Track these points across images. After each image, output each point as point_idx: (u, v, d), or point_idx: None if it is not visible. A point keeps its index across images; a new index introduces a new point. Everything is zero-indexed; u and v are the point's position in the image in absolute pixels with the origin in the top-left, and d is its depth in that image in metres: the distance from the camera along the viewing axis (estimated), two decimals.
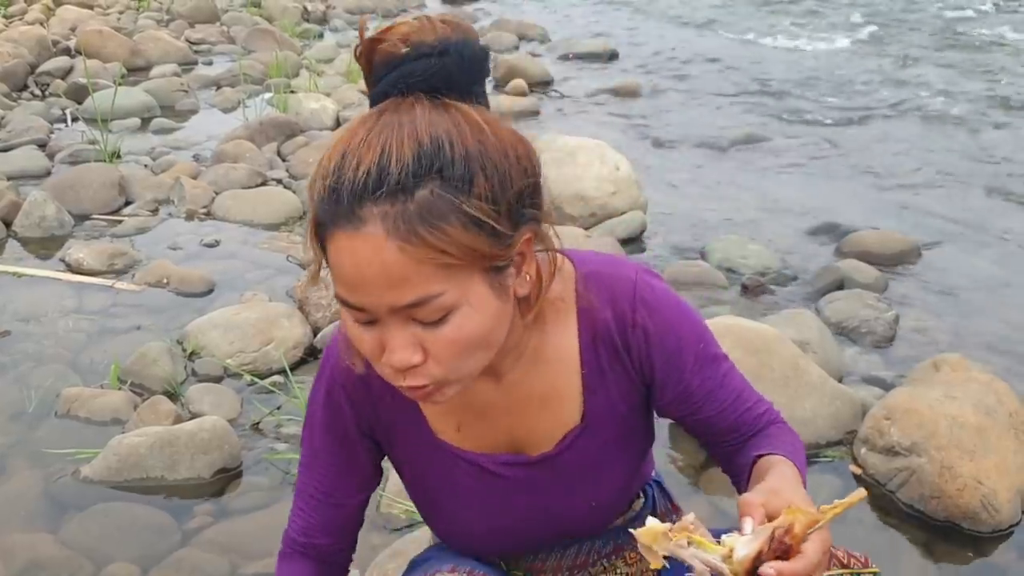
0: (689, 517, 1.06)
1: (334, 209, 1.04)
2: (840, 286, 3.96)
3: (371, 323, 1.10)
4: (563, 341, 1.29)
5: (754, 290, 3.94)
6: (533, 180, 1.12)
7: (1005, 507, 2.51)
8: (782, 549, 1.03)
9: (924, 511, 2.55)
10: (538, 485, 1.37)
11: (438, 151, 1.03)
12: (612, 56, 8.64)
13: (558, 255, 1.20)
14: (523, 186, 1.09)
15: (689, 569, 1.05)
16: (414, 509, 2.47)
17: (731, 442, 1.36)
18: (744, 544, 1.03)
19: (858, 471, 2.73)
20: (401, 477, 1.46)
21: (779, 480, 1.15)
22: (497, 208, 1.05)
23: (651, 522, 1.05)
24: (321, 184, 1.05)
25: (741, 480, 1.32)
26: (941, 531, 2.52)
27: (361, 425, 1.37)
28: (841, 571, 1.22)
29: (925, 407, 2.66)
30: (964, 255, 4.44)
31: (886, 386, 3.16)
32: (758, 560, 1.02)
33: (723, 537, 1.05)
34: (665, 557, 1.05)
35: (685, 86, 7.65)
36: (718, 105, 7.13)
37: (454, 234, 1.02)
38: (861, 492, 1.08)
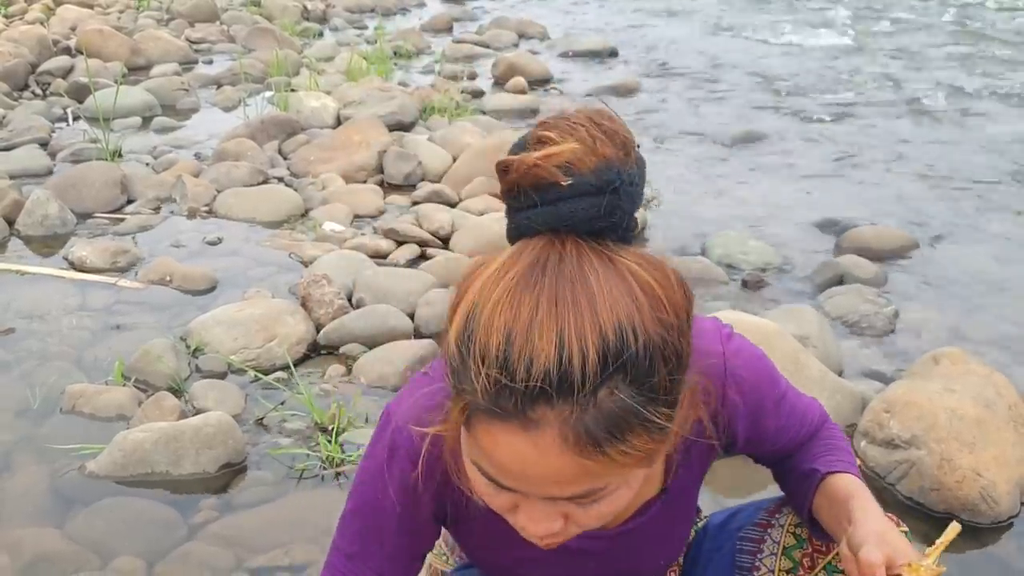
0: None
1: (499, 404, 0.92)
2: (840, 281, 3.98)
3: (511, 490, 1.00)
4: None
5: (754, 285, 3.96)
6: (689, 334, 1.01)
7: (1004, 499, 2.53)
8: None
9: (924, 503, 2.57)
10: (613, 554, 1.33)
11: (623, 345, 0.91)
12: (612, 53, 8.65)
13: None
14: (688, 350, 0.99)
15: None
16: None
17: (788, 454, 1.38)
18: None
19: (858, 464, 2.75)
20: (456, 538, 1.39)
21: (877, 520, 1.16)
22: (674, 397, 0.96)
23: None
24: (485, 374, 0.91)
25: (798, 492, 1.33)
26: (941, 523, 2.52)
27: (438, 512, 1.25)
28: None
29: (924, 400, 2.68)
30: (963, 250, 4.46)
31: (886, 380, 3.18)
32: None
33: None
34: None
35: (685, 83, 7.66)
36: (718, 102, 7.14)
37: (637, 444, 0.93)
38: (956, 527, 1.10)
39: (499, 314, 0.92)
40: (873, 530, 1.14)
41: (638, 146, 1.02)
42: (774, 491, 1.55)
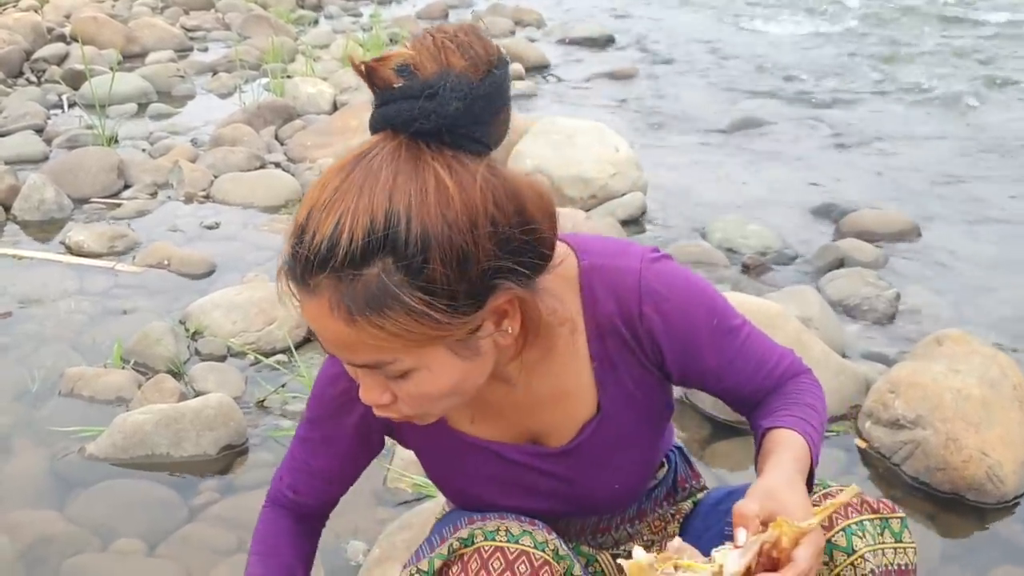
0: (673, 544, 1.07)
1: (292, 270, 1.06)
2: (840, 265, 3.97)
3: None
4: (572, 338, 1.27)
5: (755, 269, 3.95)
6: (520, 241, 1.06)
7: (1010, 478, 2.52)
8: (771, 563, 1.04)
9: (929, 483, 2.56)
10: (559, 474, 1.36)
11: (393, 230, 0.99)
12: (609, 40, 8.61)
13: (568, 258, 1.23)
14: (493, 258, 1.04)
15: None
16: (421, 483, 2.49)
17: (753, 403, 1.36)
18: (734, 560, 1.04)
19: (863, 444, 2.74)
20: (417, 457, 1.46)
21: (776, 476, 1.15)
22: (452, 289, 1.02)
23: (637, 553, 1.05)
24: (288, 242, 1.06)
25: (756, 451, 1.33)
26: (946, 503, 2.53)
27: (366, 415, 1.32)
28: (871, 516, 1.23)
29: (929, 380, 2.67)
30: (963, 233, 4.45)
31: (888, 362, 3.16)
32: (748, 574, 1.03)
33: (713, 553, 1.06)
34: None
35: (682, 69, 7.64)
36: (716, 88, 7.12)
37: (397, 320, 1.01)
38: (854, 488, 1.09)
39: (310, 193, 1.05)
40: (764, 486, 1.13)
41: (505, 65, 1.07)
42: None
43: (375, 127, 1.06)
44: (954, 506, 2.52)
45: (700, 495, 1.57)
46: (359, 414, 1.35)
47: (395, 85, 1.03)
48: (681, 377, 1.32)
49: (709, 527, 1.47)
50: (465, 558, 1.24)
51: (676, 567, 1.04)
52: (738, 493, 1.48)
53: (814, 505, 1.13)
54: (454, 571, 1.24)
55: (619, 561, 1.08)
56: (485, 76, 1.04)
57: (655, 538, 1.53)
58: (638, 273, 1.25)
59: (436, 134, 1.03)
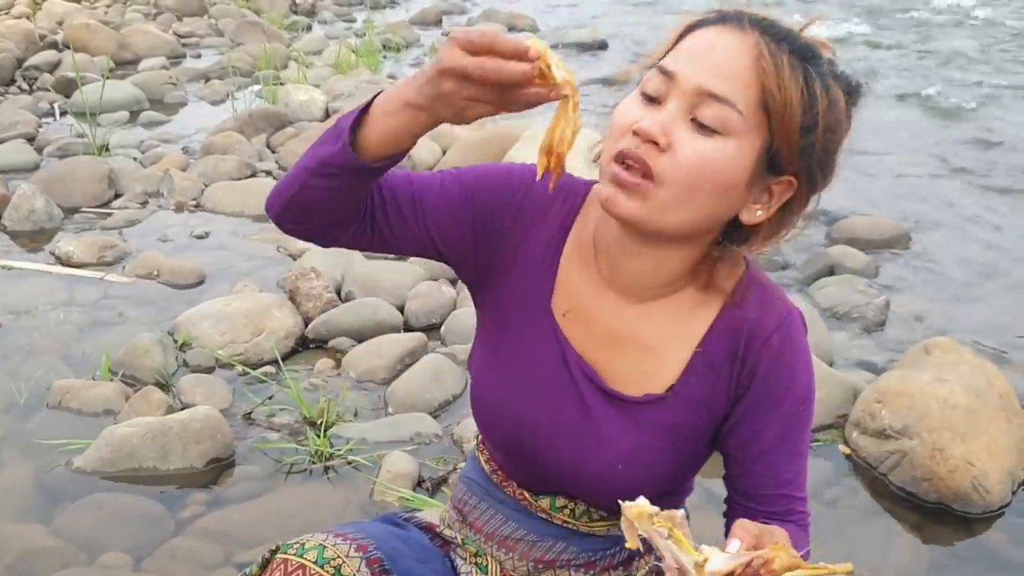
0: (680, 512, 1.06)
1: (727, 15, 1.19)
2: (831, 272, 3.97)
3: (651, 102, 1.19)
4: (699, 312, 1.30)
5: None
6: (831, 152, 1.21)
7: (996, 488, 2.52)
8: None
9: (916, 493, 2.56)
10: (593, 414, 1.33)
11: (814, 63, 1.17)
12: (602, 46, 8.63)
13: (782, 232, 1.26)
14: (833, 148, 1.20)
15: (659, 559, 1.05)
16: (408, 496, 2.49)
17: (750, 509, 1.33)
18: (721, 561, 1.03)
19: (848, 451, 2.74)
20: (479, 309, 1.43)
21: (778, 529, 1.13)
22: (820, 118, 1.16)
23: (642, 501, 1.05)
24: (721, 6, 1.22)
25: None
26: (933, 513, 2.54)
27: (503, 217, 1.35)
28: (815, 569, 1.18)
29: (916, 390, 2.67)
30: (954, 240, 4.46)
31: (877, 370, 3.17)
32: None
33: (703, 547, 1.05)
34: (643, 540, 1.05)
35: None
36: None
37: (794, 88, 1.14)
38: (848, 566, 1.07)
39: None
40: (769, 528, 1.12)
41: None
42: None
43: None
44: (940, 516, 2.52)
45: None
46: (514, 208, 1.36)
47: None
48: (733, 424, 1.31)
49: None
50: (269, 568, 1.32)
51: (670, 533, 1.04)
52: None
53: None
54: None
55: (622, 502, 1.06)
56: None
57: None
58: (790, 313, 1.30)
59: None
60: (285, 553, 1.31)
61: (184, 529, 2.47)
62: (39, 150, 5.43)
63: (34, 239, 4.27)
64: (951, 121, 6.36)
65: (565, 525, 1.44)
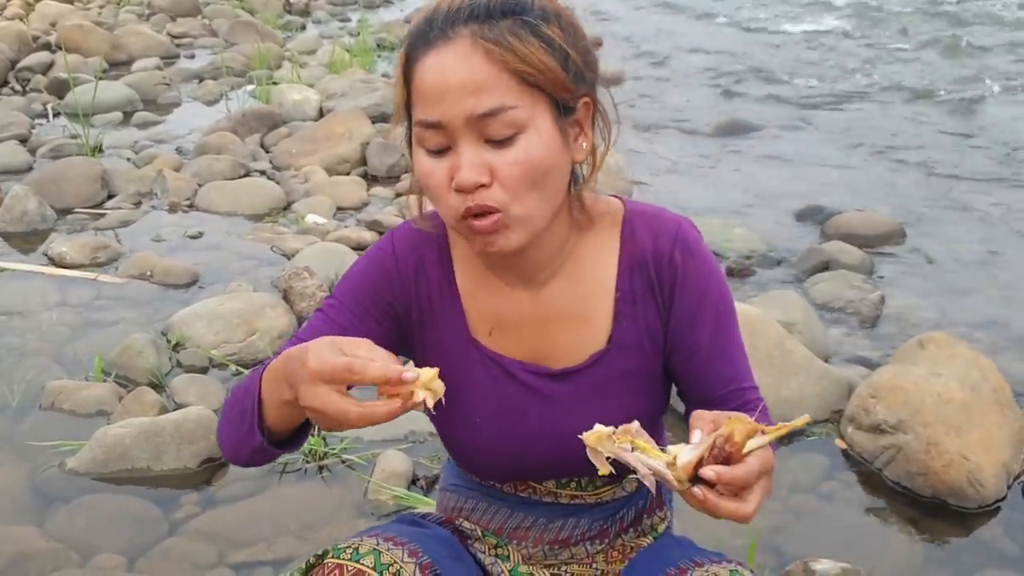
0: (634, 424, 1.11)
1: (428, 32, 1.19)
2: (825, 267, 3.97)
3: (442, 153, 1.20)
4: (602, 263, 1.35)
5: (739, 273, 3.95)
6: (593, 54, 1.27)
7: (991, 482, 2.51)
8: (723, 456, 1.06)
9: (911, 488, 2.56)
10: (554, 399, 1.38)
11: (527, 12, 1.18)
12: (595, 44, 8.60)
13: (610, 138, 1.33)
14: (588, 47, 1.24)
15: (634, 472, 1.09)
16: (402, 495, 2.48)
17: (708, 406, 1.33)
18: (687, 451, 1.08)
19: (843, 446, 2.74)
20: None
21: (734, 413, 1.15)
22: (566, 51, 1.19)
23: (597, 426, 1.11)
24: (416, 21, 1.21)
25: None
26: (928, 507, 2.53)
27: (396, 303, 1.38)
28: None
29: (910, 384, 2.67)
30: (948, 235, 4.46)
31: (872, 365, 3.17)
32: (700, 466, 1.06)
33: (668, 447, 1.09)
34: (612, 462, 1.10)
35: (668, 71, 7.65)
36: (702, 90, 7.12)
37: (534, 50, 1.16)
38: (806, 417, 1.12)
39: None
40: (723, 412, 1.15)
41: None
42: None
43: None
44: (936, 511, 2.52)
45: (661, 527, 1.56)
46: (394, 294, 1.39)
47: None
48: (672, 343, 1.36)
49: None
50: (313, 573, 1.30)
51: (633, 445, 1.09)
52: (685, 545, 1.46)
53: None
54: None
55: (581, 436, 1.11)
56: None
57: (607, 569, 1.50)
58: (678, 224, 1.36)
59: None
60: (338, 558, 1.29)
61: (178, 530, 2.47)
62: (32, 151, 5.42)
63: (27, 240, 4.26)
64: (943, 115, 6.36)
65: (573, 501, 1.48)
